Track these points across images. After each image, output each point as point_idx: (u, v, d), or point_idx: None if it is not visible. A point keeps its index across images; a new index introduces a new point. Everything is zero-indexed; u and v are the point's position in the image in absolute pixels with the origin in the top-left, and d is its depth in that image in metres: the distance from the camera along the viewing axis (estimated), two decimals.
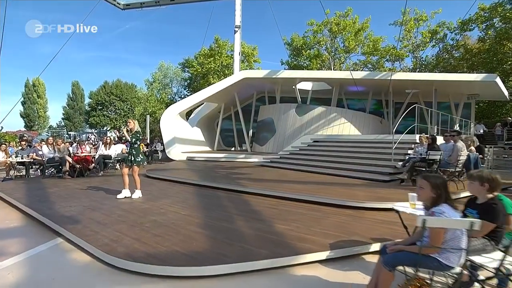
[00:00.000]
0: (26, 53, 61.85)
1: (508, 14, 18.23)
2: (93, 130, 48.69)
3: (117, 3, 18.61)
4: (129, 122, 5.21)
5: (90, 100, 46.35)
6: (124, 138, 5.36)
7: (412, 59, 23.76)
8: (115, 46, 67.11)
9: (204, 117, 16.59)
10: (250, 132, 16.89)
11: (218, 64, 31.41)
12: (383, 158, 7.84)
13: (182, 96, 37.60)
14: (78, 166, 7.76)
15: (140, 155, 5.15)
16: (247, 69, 34.16)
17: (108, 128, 49.19)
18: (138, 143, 5.22)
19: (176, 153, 12.77)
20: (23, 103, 44.24)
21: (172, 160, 12.35)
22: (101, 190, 5.89)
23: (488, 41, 20.16)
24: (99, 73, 73.87)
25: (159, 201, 4.92)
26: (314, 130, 13.54)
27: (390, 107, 14.98)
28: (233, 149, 18.48)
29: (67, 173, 7.65)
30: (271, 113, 15.00)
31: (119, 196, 5.07)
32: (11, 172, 8.25)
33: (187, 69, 36.09)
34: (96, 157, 8.87)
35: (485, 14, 19.65)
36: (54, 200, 4.93)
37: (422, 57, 22.93)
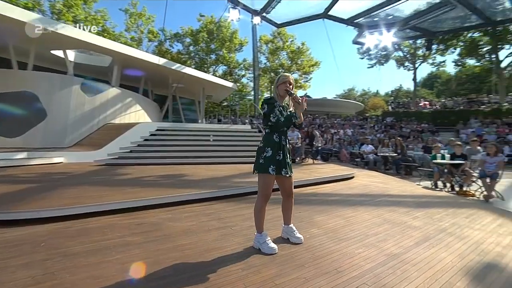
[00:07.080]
0: None
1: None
2: None
3: None
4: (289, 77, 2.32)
5: None
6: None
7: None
8: None
9: None
10: None
11: None
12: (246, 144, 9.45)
13: None
14: None
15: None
16: None
17: None
18: None
19: None
20: None
21: None
22: None
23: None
24: None
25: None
26: (111, 116, 10.89)
27: (170, 100, 15.67)
28: None
29: None
30: (32, 85, 9.39)
31: (271, 246, 2.20)
32: None
33: None
34: None
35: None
36: None
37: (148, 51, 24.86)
